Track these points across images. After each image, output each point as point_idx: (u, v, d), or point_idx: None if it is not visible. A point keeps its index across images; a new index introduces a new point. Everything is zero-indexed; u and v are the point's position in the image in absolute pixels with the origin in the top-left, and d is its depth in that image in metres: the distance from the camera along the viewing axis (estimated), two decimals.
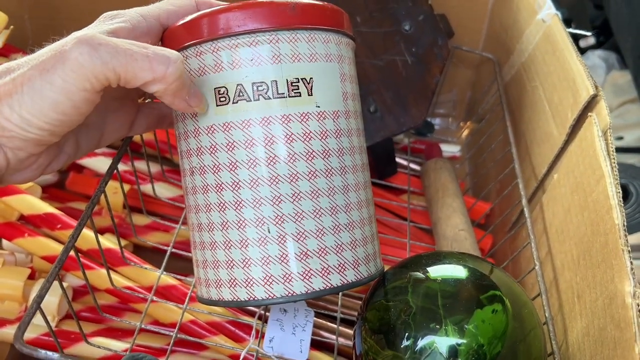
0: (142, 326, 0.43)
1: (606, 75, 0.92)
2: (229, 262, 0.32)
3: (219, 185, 0.32)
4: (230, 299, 0.33)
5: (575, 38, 0.94)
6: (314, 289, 0.32)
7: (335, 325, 0.48)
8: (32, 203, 0.51)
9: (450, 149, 0.72)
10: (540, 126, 0.52)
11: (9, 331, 0.47)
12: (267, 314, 0.43)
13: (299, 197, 0.32)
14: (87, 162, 0.60)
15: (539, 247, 0.48)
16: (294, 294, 0.32)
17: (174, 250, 0.48)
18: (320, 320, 0.50)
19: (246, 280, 0.32)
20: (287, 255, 0.32)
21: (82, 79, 0.27)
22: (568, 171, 0.45)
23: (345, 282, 0.33)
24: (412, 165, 0.66)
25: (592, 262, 0.38)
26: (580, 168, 0.42)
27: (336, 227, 0.33)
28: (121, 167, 0.59)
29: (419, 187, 0.63)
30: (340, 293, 0.49)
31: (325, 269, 0.32)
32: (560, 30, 0.50)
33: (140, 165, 0.59)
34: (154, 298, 0.45)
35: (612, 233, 0.35)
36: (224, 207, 0.32)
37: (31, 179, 0.32)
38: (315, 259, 0.32)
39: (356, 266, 0.33)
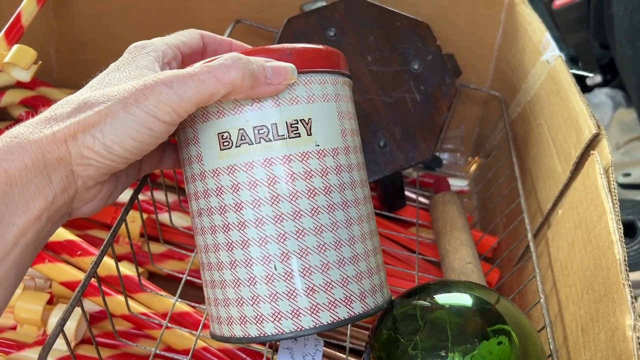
0: (157, 352, 0.44)
1: (613, 113, 0.93)
2: (239, 299, 0.33)
3: (225, 226, 0.33)
4: (242, 336, 0.34)
5: (582, 77, 0.96)
6: (322, 322, 0.33)
7: (344, 356, 0.49)
8: None
9: (458, 183, 0.74)
10: (546, 163, 0.54)
11: (28, 355, 0.48)
12: (277, 342, 0.44)
13: (302, 233, 0.33)
14: None
15: (544, 281, 0.49)
16: (303, 328, 0.32)
17: (188, 277, 0.49)
18: (330, 350, 0.51)
19: (256, 317, 0.33)
20: (294, 291, 0.33)
21: (163, 113, 0.30)
22: (572, 207, 0.46)
23: (353, 314, 0.33)
24: (421, 199, 0.67)
25: (595, 296, 0.39)
26: (584, 204, 0.43)
27: (341, 260, 0.33)
28: (140, 196, 0.61)
29: (428, 220, 0.64)
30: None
31: (332, 303, 0.33)
32: (564, 71, 0.52)
33: (158, 195, 0.61)
34: (169, 324, 0.47)
35: (613, 268, 0.36)
36: (231, 246, 0.33)
37: (97, 210, 0.34)
38: (322, 293, 0.33)
39: (363, 298, 0.34)
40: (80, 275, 0.51)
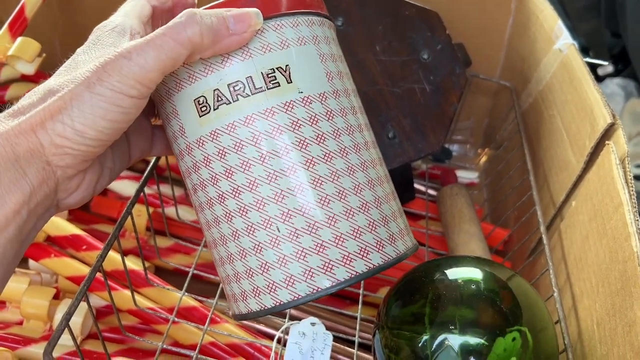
0: (164, 346, 0.44)
1: (625, 103, 0.92)
2: (248, 270, 0.31)
3: (220, 196, 0.31)
4: (258, 309, 0.32)
5: (593, 66, 0.94)
6: (338, 280, 0.30)
7: (353, 350, 0.48)
8: (59, 224, 0.52)
9: (468, 176, 0.73)
10: (558, 154, 0.53)
11: (34, 350, 0.48)
12: (285, 337, 0.44)
13: (301, 188, 0.30)
14: (111, 185, 0.61)
15: (557, 274, 0.48)
16: (319, 289, 0.30)
17: (195, 271, 0.49)
18: (339, 345, 0.51)
19: (268, 286, 0.31)
20: (302, 251, 0.30)
21: (128, 87, 0.28)
22: (586, 199, 0.45)
23: (372, 266, 0.31)
24: (430, 191, 0.66)
25: (610, 290, 0.38)
26: (598, 196, 0.42)
27: (348, 211, 0.31)
28: (146, 190, 0.61)
29: (437, 213, 0.63)
30: (359, 317, 0.49)
31: (345, 257, 0.30)
32: (577, 59, 0.51)
33: (164, 189, 0.61)
34: (175, 319, 0.46)
35: (630, 260, 0.35)
36: (230, 216, 0.31)
37: (85, 199, 0.33)
38: (332, 248, 0.30)
39: (380, 248, 0.31)
40: (87, 270, 0.51)
